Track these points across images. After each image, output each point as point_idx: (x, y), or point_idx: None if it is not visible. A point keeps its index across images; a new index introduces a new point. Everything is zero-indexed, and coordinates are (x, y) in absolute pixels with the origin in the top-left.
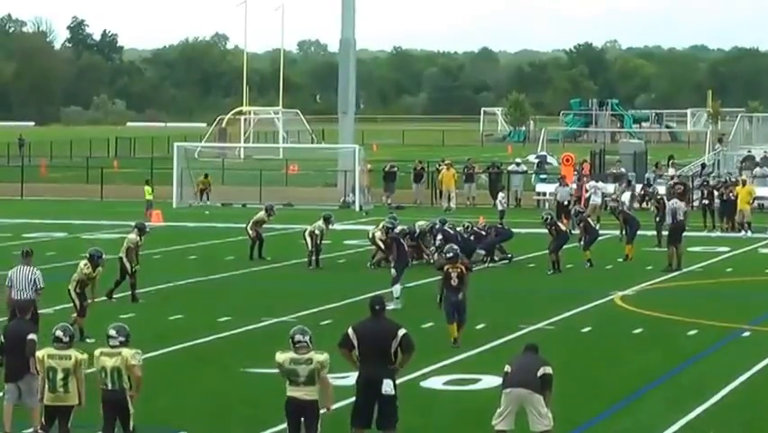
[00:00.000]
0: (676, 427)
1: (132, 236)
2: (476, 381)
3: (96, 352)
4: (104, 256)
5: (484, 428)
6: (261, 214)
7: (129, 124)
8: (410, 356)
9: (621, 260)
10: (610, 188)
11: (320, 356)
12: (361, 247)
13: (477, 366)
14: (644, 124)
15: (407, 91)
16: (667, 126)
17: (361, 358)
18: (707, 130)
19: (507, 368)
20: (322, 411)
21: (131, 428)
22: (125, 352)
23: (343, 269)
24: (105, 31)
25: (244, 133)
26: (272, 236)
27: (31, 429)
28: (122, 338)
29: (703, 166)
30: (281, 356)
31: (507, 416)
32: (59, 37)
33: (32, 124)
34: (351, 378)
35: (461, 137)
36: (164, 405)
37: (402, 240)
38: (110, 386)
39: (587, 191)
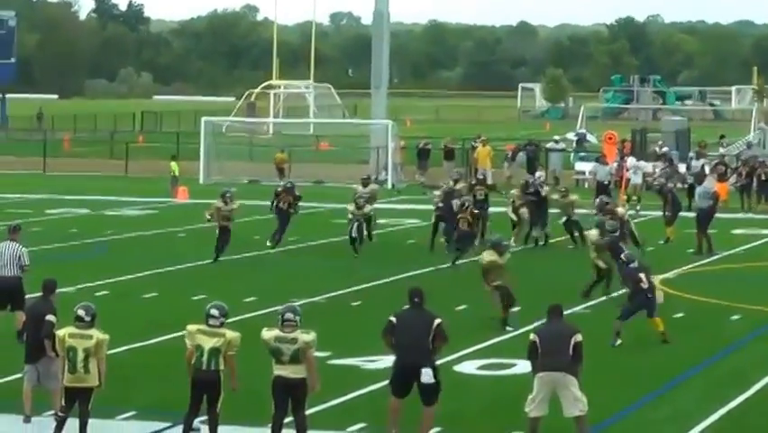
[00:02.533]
0: (715, 416)
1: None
2: (511, 365)
3: (193, 328)
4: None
5: (518, 414)
6: (217, 201)
7: (155, 97)
8: (441, 347)
9: (662, 242)
10: (651, 167)
11: (306, 336)
12: (393, 227)
13: (512, 351)
14: (687, 101)
15: (442, 65)
16: (711, 104)
17: (397, 346)
18: (752, 108)
19: (534, 337)
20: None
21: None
22: (230, 334)
23: (374, 249)
24: (131, 1)
25: (274, 108)
26: (302, 215)
27: (51, 412)
28: (222, 318)
29: (749, 145)
30: (267, 333)
31: (540, 402)
32: (84, 7)
33: (56, 96)
34: (379, 362)
35: (497, 113)
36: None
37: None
38: (205, 366)
39: (627, 170)
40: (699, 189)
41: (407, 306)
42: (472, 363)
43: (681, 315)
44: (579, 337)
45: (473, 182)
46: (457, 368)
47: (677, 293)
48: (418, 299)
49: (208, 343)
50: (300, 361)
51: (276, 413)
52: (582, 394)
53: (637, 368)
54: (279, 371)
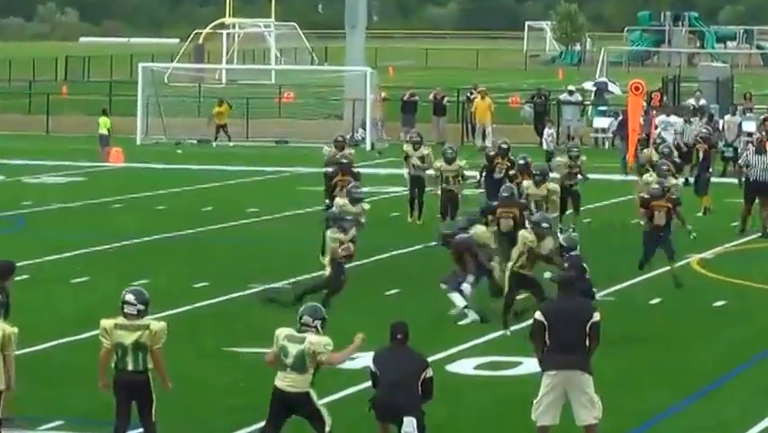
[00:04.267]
0: (764, 424)
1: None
2: (515, 364)
3: (108, 323)
4: None
5: (524, 422)
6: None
7: (82, 39)
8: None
9: (700, 214)
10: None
11: (316, 338)
12: (374, 196)
13: (516, 347)
14: (729, 43)
15: (432, 0)
16: (758, 47)
17: (380, 385)
18: None
19: (540, 317)
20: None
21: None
22: (154, 324)
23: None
24: None
25: (227, 52)
26: (263, 182)
27: None
28: (141, 306)
29: None
30: (280, 330)
31: (549, 406)
32: None
33: None
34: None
35: (499, 58)
36: None
37: None
38: (130, 366)
39: (656, 127)
40: (758, 157)
41: (389, 345)
42: (469, 362)
43: (722, 303)
44: (597, 317)
45: (491, 151)
46: (451, 368)
47: (719, 277)
48: (401, 336)
49: (129, 338)
50: (304, 369)
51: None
52: (598, 397)
53: (672, 366)
54: (278, 381)
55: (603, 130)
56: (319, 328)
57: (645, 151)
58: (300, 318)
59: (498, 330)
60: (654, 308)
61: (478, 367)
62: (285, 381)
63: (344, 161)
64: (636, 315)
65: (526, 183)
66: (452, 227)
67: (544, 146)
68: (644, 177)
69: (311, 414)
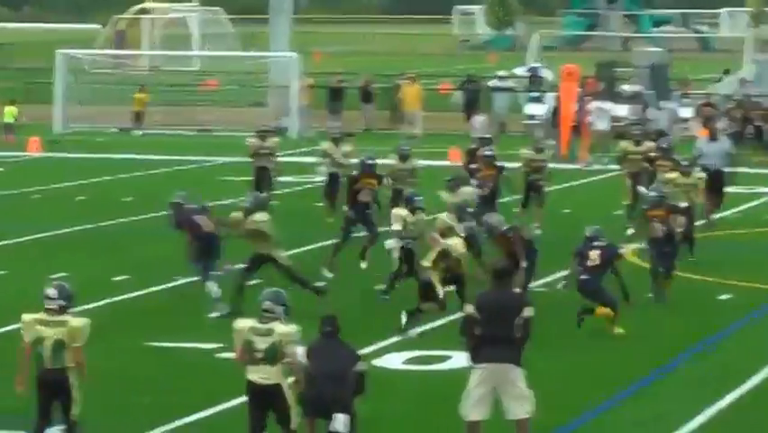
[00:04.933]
0: (702, 418)
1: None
2: (444, 358)
3: (29, 318)
4: None
5: (453, 417)
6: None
7: (0, 25)
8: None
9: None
10: (621, 110)
11: (285, 328)
12: (297, 186)
13: (446, 340)
14: (665, 26)
15: None
16: (696, 30)
17: (309, 377)
18: (746, 35)
19: (471, 310)
20: None
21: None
22: (74, 321)
23: (273, 214)
24: None
25: (149, 38)
26: (185, 172)
27: None
28: (63, 301)
29: (742, 83)
30: (241, 323)
31: (479, 401)
32: None
33: None
34: None
35: (429, 44)
36: None
37: None
38: (51, 363)
39: (590, 114)
40: (711, 144)
41: (319, 338)
42: (397, 356)
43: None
44: (529, 312)
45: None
46: (378, 362)
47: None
48: (331, 329)
49: (49, 334)
50: (275, 361)
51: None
52: (530, 392)
53: (607, 360)
54: (250, 374)
55: (535, 117)
56: (283, 316)
57: (623, 143)
58: (261, 305)
59: (427, 324)
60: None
61: (406, 362)
62: (258, 373)
63: (369, 162)
64: (569, 306)
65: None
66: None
67: (475, 133)
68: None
69: (281, 409)
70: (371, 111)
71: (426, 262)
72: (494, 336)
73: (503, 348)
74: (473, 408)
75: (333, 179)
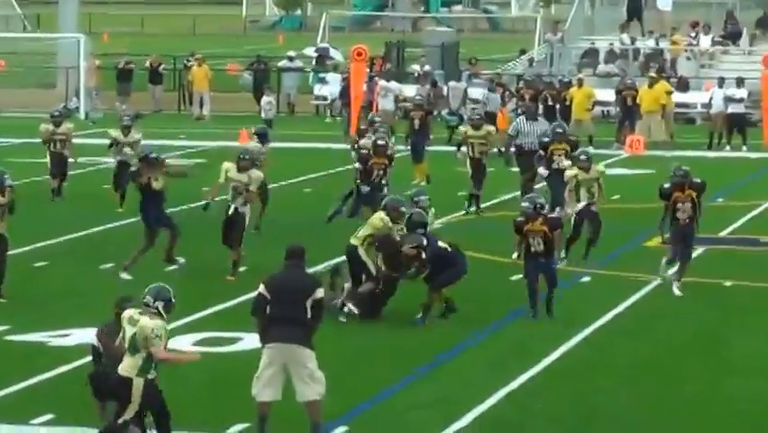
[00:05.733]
0: (493, 399)
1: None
2: (235, 340)
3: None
4: None
5: (245, 400)
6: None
7: None
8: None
9: (417, 181)
10: (409, 90)
11: (148, 321)
12: (89, 167)
13: (237, 321)
14: (455, 7)
15: None
16: (485, 11)
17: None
18: (536, 16)
19: (263, 290)
20: None
21: None
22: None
23: (65, 196)
24: None
25: None
26: None
27: None
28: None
29: (531, 63)
30: (126, 312)
31: (269, 381)
32: None
33: None
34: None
35: (217, 24)
36: None
37: None
38: None
39: (378, 94)
40: (530, 124)
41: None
42: (186, 338)
43: None
44: (320, 293)
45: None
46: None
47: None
48: (297, 260)
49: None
50: (135, 351)
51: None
52: (321, 373)
53: (399, 343)
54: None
55: (324, 98)
56: (161, 310)
57: (461, 128)
58: (143, 298)
59: (217, 305)
60: None
61: (197, 343)
62: (122, 363)
63: (381, 142)
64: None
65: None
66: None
67: (263, 115)
68: None
69: (126, 403)
70: (160, 92)
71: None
72: (283, 317)
73: (292, 328)
74: (263, 388)
75: (121, 167)
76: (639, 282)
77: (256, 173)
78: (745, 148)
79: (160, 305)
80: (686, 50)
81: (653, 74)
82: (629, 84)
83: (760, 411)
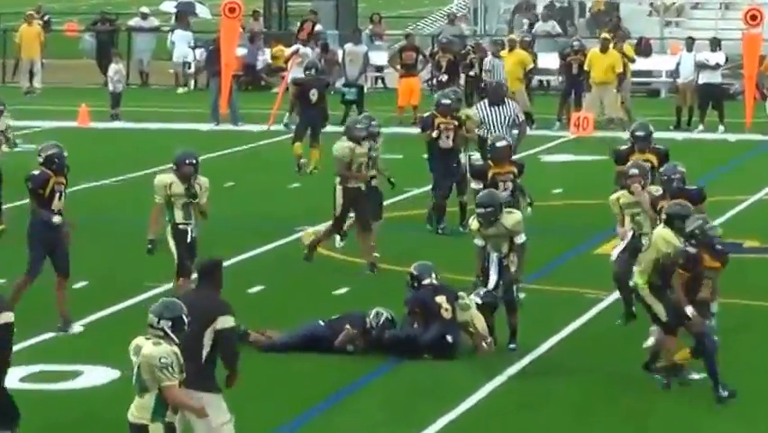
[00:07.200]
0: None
1: None
2: (76, 374)
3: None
4: None
5: None
6: None
7: None
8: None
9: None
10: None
11: (152, 349)
12: None
13: (77, 352)
14: None
15: None
16: None
17: None
18: None
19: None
20: None
21: None
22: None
23: None
24: None
25: None
26: None
27: None
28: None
29: (452, 20)
30: (134, 341)
31: None
32: None
33: None
34: None
35: None
36: None
37: None
38: None
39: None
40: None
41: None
42: (15, 372)
43: (345, 289)
44: (231, 321)
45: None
46: None
47: (345, 257)
48: (207, 278)
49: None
50: (146, 390)
51: None
52: (231, 416)
53: (292, 378)
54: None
55: (187, 65)
56: (168, 331)
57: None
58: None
59: (51, 331)
60: (259, 297)
61: (25, 380)
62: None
63: (444, 100)
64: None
65: None
66: None
67: (110, 87)
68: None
69: None
70: None
71: None
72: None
73: (186, 365)
74: None
75: None
76: (587, 299)
77: (203, 179)
78: (722, 128)
79: (166, 325)
80: (647, 3)
81: (606, 35)
82: (576, 47)
83: None
